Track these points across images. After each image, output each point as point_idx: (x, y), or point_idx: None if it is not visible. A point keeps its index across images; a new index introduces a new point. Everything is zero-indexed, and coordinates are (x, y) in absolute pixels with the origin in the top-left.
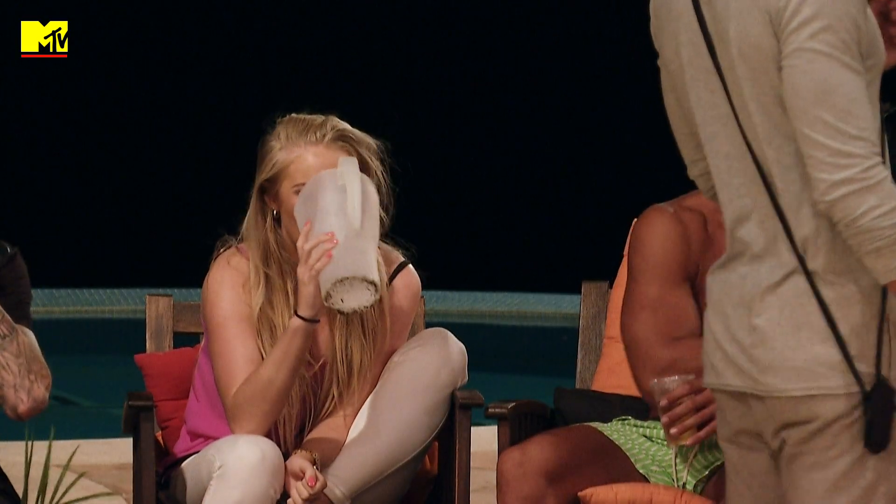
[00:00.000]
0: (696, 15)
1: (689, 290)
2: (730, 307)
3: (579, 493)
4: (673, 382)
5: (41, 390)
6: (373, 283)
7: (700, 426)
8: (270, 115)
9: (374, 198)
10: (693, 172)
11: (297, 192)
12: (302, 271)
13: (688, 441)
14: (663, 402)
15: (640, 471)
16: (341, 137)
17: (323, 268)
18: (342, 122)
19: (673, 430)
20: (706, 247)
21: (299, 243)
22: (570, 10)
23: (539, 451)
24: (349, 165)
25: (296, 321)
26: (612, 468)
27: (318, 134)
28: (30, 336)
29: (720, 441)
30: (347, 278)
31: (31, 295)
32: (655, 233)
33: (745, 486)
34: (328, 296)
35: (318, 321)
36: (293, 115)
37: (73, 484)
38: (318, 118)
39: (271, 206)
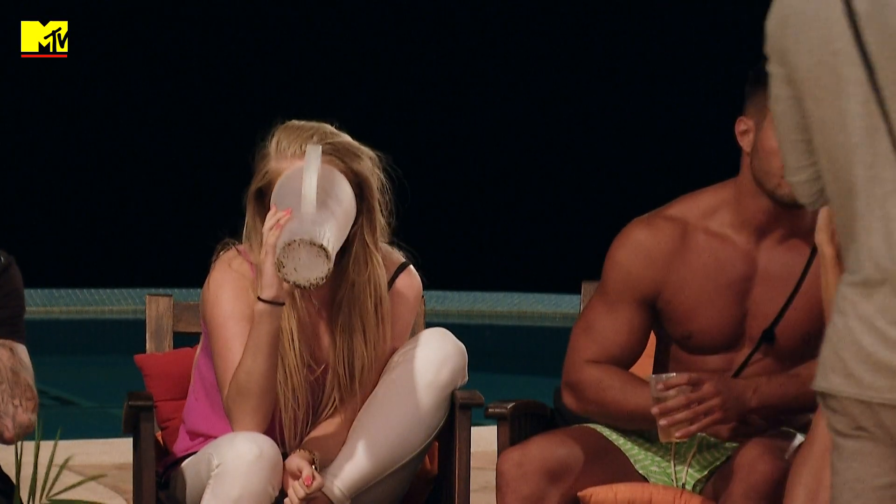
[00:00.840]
0: (851, 25)
1: (633, 313)
2: (885, 323)
3: (579, 493)
4: (669, 376)
5: (26, 415)
6: (322, 247)
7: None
8: (271, 119)
9: (341, 184)
10: (797, 177)
11: None
12: (261, 251)
13: (677, 434)
14: (656, 396)
15: (640, 471)
16: (329, 149)
17: (276, 241)
18: (336, 131)
19: (663, 422)
20: (678, 256)
21: (263, 227)
22: (570, 10)
23: (539, 451)
24: (311, 152)
25: (259, 305)
26: (611, 468)
27: (303, 147)
28: (18, 352)
29: (833, 435)
30: (295, 241)
31: (24, 307)
32: (620, 251)
33: (864, 467)
34: (280, 264)
35: (282, 303)
36: (291, 121)
37: (74, 485)
38: (311, 128)
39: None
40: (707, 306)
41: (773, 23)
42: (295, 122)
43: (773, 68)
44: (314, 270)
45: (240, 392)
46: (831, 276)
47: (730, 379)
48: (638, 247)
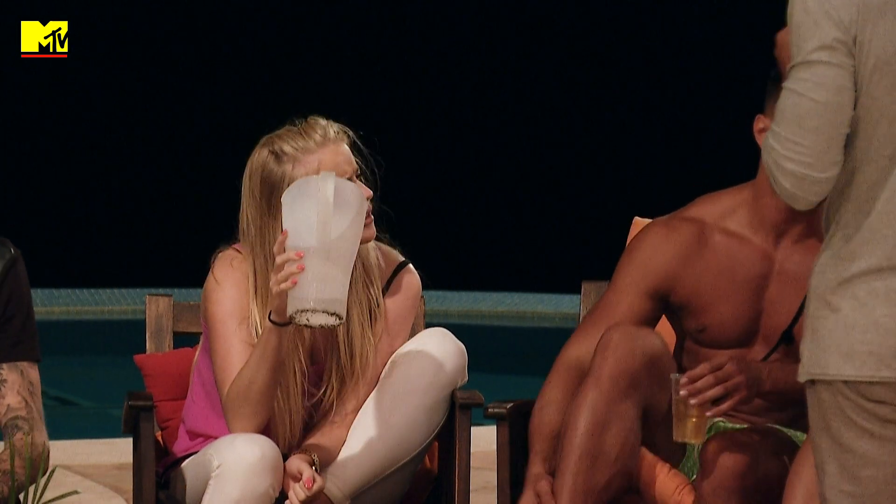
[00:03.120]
0: None
1: (637, 298)
2: None
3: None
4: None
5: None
6: (335, 314)
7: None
8: (271, 119)
9: (356, 206)
10: (829, 173)
11: None
12: (272, 282)
13: (708, 413)
14: (683, 380)
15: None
16: (343, 130)
17: (288, 290)
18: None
19: (693, 401)
20: (694, 254)
21: (275, 249)
22: (572, 9)
23: (651, 343)
24: (326, 181)
25: (268, 324)
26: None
27: (318, 135)
28: (30, 376)
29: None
30: (308, 310)
31: (32, 309)
32: (635, 247)
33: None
34: (293, 318)
35: (290, 324)
36: (278, 132)
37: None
38: (311, 120)
39: None
40: (723, 301)
41: (851, 12)
42: (284, 129)
43: (837, 58)
44: (328, 320)
45: (239, 397)
46: None
47: (746, 360)
48: (653, 243)
